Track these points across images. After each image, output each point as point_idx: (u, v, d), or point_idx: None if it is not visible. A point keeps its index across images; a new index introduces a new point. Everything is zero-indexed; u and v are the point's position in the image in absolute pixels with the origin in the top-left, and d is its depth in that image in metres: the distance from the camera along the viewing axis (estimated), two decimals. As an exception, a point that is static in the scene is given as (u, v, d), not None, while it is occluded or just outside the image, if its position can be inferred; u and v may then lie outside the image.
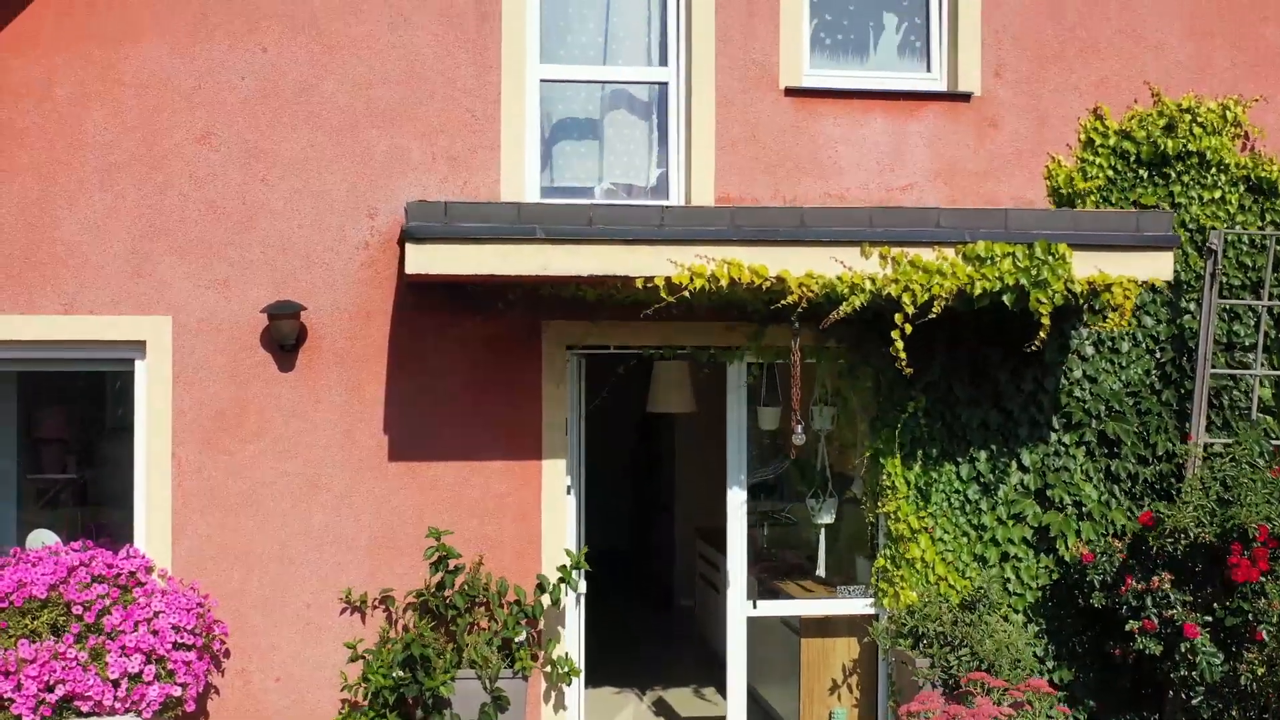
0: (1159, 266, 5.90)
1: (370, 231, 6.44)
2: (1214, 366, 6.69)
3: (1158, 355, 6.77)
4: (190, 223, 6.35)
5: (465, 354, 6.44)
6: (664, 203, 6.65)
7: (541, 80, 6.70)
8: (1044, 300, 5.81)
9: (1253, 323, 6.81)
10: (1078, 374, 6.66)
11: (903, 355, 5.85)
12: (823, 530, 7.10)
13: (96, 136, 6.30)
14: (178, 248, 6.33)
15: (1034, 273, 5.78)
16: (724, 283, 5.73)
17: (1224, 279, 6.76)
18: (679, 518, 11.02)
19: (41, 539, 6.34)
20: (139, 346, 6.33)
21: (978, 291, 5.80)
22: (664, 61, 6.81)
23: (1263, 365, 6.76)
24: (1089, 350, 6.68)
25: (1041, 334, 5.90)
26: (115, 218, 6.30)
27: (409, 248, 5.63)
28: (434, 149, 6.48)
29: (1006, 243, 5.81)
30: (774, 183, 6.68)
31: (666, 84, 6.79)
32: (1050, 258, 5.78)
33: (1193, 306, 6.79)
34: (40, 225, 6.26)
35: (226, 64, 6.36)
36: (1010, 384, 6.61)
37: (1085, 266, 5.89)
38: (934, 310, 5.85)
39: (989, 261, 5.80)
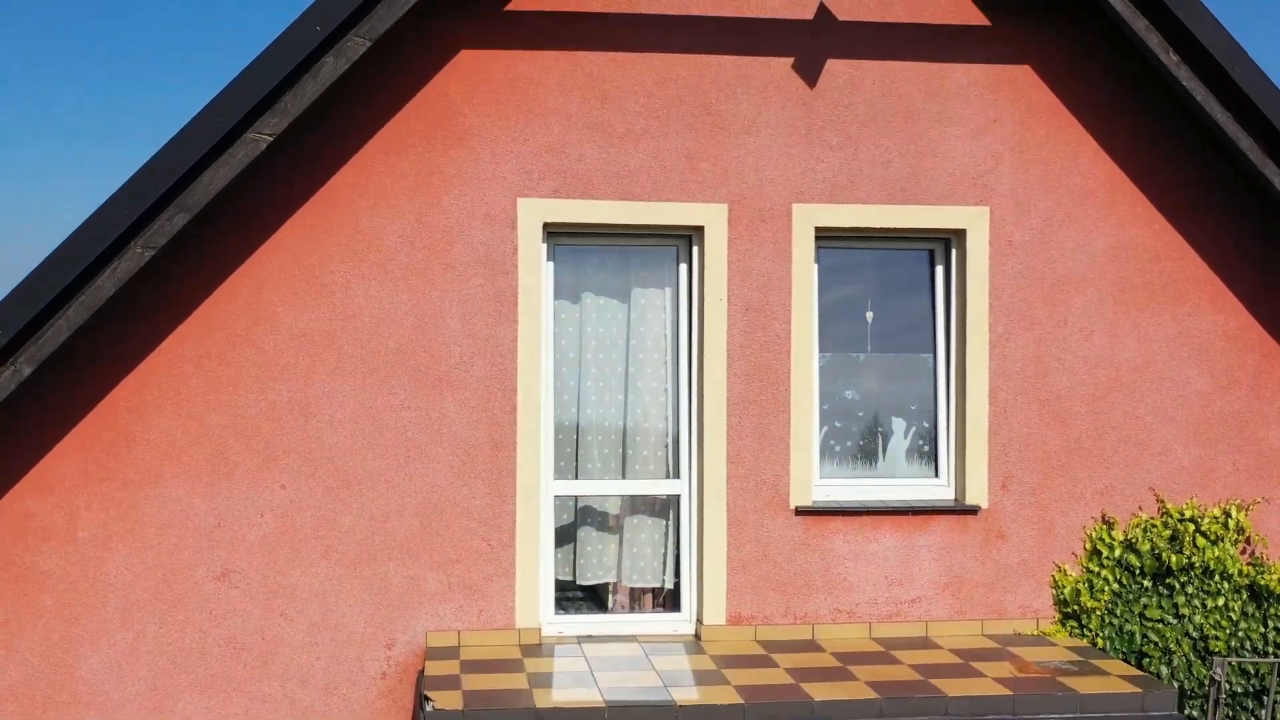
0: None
1: (387, 662, 6.54)
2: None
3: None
4: (211, 659, 6.45)
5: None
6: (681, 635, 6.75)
7: (556, 496, 6.82)
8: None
9: (1256, 727, 6.93)
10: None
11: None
12: None
13: (118, 577, 6.40)
14: (198, 684, 6.43)
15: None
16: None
17: (1228, 685, 6.87)
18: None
19: None
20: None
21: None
22: (676, 474, 6.92)
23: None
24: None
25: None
26: (136, 656, 6.41)
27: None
28: (450, 578, 6.58)
29: None
30: (785, 600, 6.78)
31: (679, 495, 6.90)
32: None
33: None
34: (64, 665, 6.36)
35: (246, 501, 6.47)
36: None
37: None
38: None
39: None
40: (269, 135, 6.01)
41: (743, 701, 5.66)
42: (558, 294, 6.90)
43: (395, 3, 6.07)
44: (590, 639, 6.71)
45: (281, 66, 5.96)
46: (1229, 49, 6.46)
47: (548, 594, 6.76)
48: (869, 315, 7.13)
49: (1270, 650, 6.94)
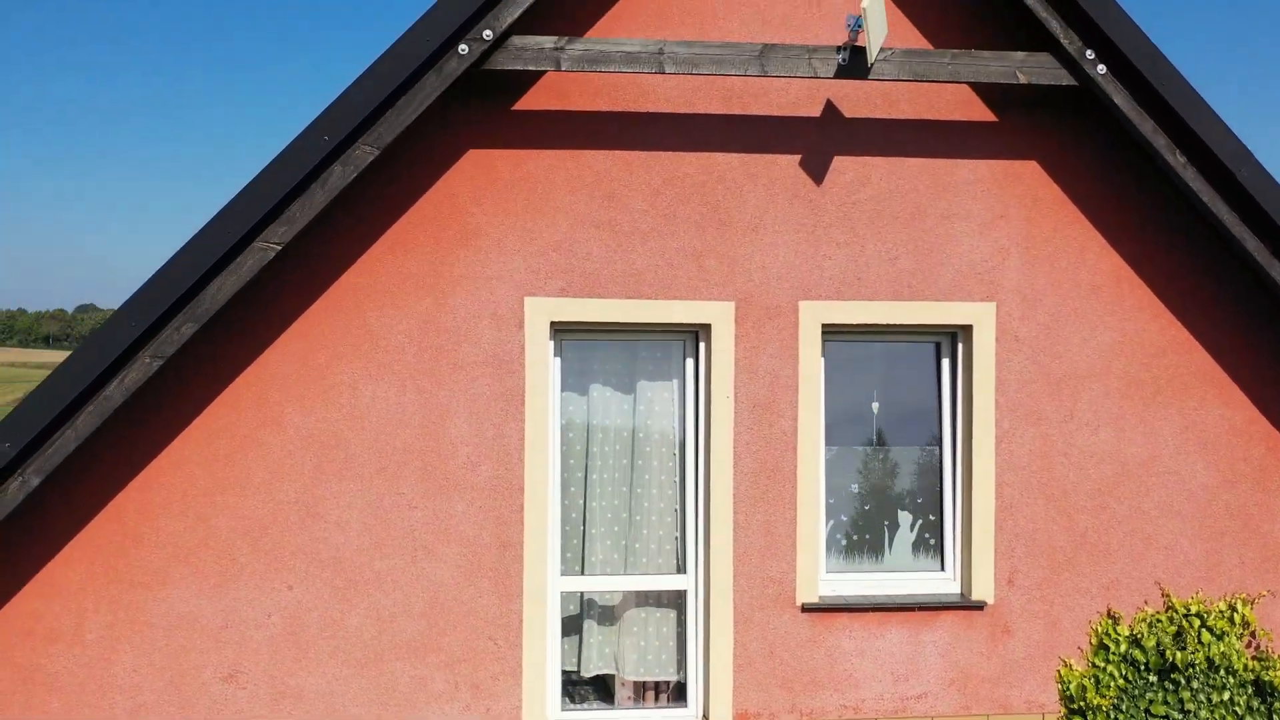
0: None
1: (394, 762, 6.55)
2: None
3: None
4: (217, 760, 6.45)
5: None
6: None
7: (562, 592, 6.83)
8: None
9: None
10: None
11: None
12: None
13: (126, 679, 6.40)
14: (205, 785, 6.44)
15: None
16: None
17: (1233, 779, 6.87)
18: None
19: None
20: None
21: None
22: (682, 568, 6.92)
23: None
24: None
25: None
26: (144, 757, 6.41)
27: None
28: (456, 678, 6.59)
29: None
30: (791, 697, 6.78)
31: (685, 590, 6.91)
32: None
33: (1202, 808, 6.90)
34: (70, 766, 6.37)
35: (253, 602, 6.47)
36: None
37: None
38: None
39: None
40: (277, 244, 6.02)
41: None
42: (564, 385, 6.91)
43: (403, 112, 6.07)
44: (597, 736, 6.73)
45: (290, 176, 5.97)
46: (1236, 152, 6.46)
47: (554, 690, 6.77)
48: (875, 406, 7.13)
49: (1276, 744, 6.95)
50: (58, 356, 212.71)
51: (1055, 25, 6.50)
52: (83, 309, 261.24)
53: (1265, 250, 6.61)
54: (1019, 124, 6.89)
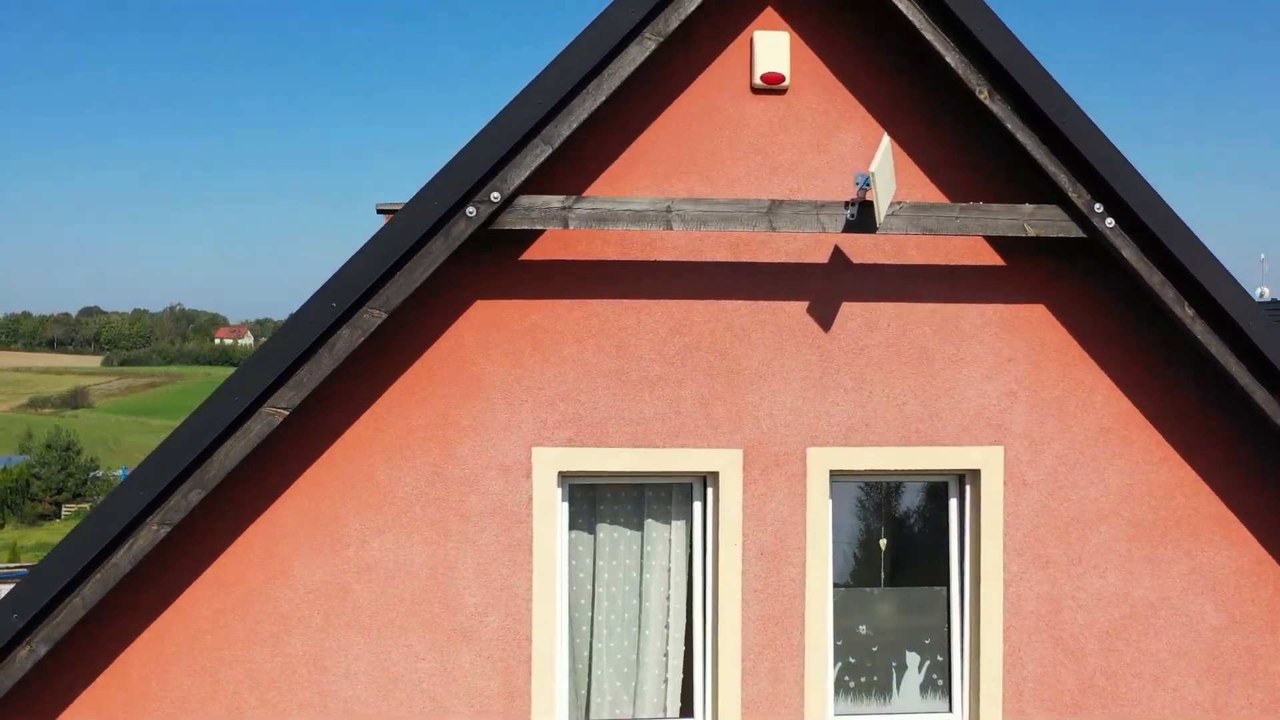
0: None
1: None
2: None
3: None
4: None
5: None
6: None
7: (570, 737, 6.84)
8: None
9: None
10: None
11: None
12: None
13: (134, 832, 6.40)
14: None
15: None
16: None
17: None
18: None
19: None
20: None
21: None
22: (690, 712, 6.92)
23: None
24: None
25: None
26: None
27: None
28: (465, 827, 6.59)
29: None
30: (798, 843, 6.79)
31: (694, 734, 6.92)
32: None
33: None
34: None
35: (261, 754, 6.47)
36: None
37: None
38: None
39: None
40: (285, 409, 6.03)
41: None
42: (572, 525, 6.91)
43: (410, 275, 6.09)
44: None
45: (299, 342, 5.99)
46: (1245, 306, 6.46)
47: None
48: (882, 543, 7.13)
49: None
50: (62, 360, 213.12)
51: (1064, 179, 6.49)
52: (86, 311, 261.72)
53: (1274, 402, 6.60)
54: (1027, 268, 6.89)
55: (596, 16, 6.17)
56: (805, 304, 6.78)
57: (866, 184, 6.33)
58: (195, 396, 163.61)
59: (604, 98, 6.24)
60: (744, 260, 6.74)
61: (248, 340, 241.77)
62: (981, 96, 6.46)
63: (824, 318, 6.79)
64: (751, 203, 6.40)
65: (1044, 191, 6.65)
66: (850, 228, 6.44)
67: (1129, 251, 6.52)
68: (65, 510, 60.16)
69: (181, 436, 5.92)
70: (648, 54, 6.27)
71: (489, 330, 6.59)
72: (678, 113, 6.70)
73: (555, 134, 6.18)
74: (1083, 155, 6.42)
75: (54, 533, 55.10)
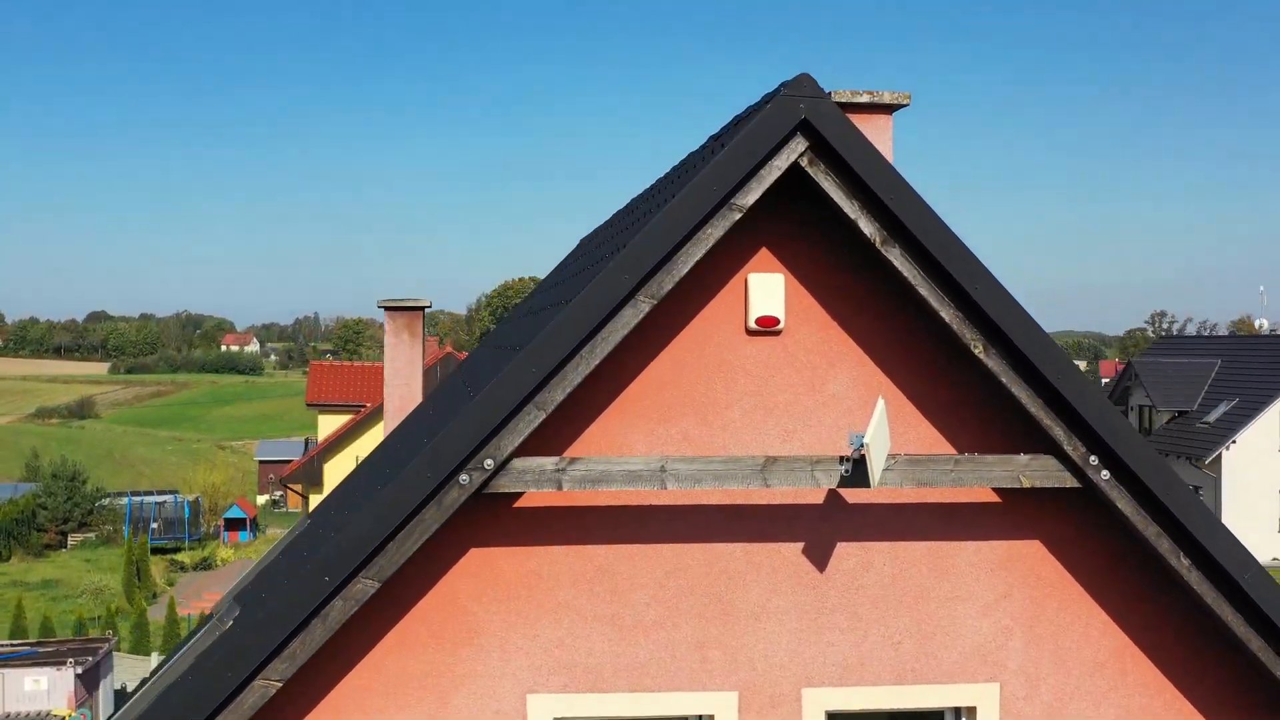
0: None
1: None
2: None
3: None
4: None
5: None
6: None
7: None
8: None
9: None
10: None
11: None
12: None
13: None
14: None
15: None
16: None
17: None
18: None
19: None
20: None
21: None
22: None
23: None
24: None
25: None
26: None
27: None
28: None
29: None
30: None
31: None
32: None
33: None
34: None
35: None
36: None
37: None
38: None
39: None
40: (278, 681, 6.03)
41: None
42: (569, 754, 6.91)
43: (404, 544, 6.09)
44: None
45: (291, 616, 5.98)
46: (1240, 559, 6.45)
47: None
48: (879, 769, 7.12)
49: None
50: (68, 368, 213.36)
51: (1059, 432, 6.49)
52: (94, 316, 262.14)
53: (1269, 651, 6.59)
54: (1022, 506, 6.88)
55: (591, 283, 6.17)
56: (801, 545, 6.78)
57: (861, 443, 6.32)
58: (201, 407, 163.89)
59: (598, 361, 6.23)
60: (739, 504, 6.73)
61: (253, 347, 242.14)
62: (976, 351, 6.45)
63: (819, 558, 6.79)
64: (745, 460, 6.40)
65: (1040, 439, 6.63)
66: (845, 483, 6.43)
67: (1124, 504, 6.51)
68: (71, 540, 60.15)
69: (172, 711, 5.92)
70: (642, 316, 6.27)
71: (483, 578, 6.59)
72: (672, 356, 6.70)
73: (549, 400, 6.18)
74: (1077, 411, 6.41)
75: (61, 566, 55.02)
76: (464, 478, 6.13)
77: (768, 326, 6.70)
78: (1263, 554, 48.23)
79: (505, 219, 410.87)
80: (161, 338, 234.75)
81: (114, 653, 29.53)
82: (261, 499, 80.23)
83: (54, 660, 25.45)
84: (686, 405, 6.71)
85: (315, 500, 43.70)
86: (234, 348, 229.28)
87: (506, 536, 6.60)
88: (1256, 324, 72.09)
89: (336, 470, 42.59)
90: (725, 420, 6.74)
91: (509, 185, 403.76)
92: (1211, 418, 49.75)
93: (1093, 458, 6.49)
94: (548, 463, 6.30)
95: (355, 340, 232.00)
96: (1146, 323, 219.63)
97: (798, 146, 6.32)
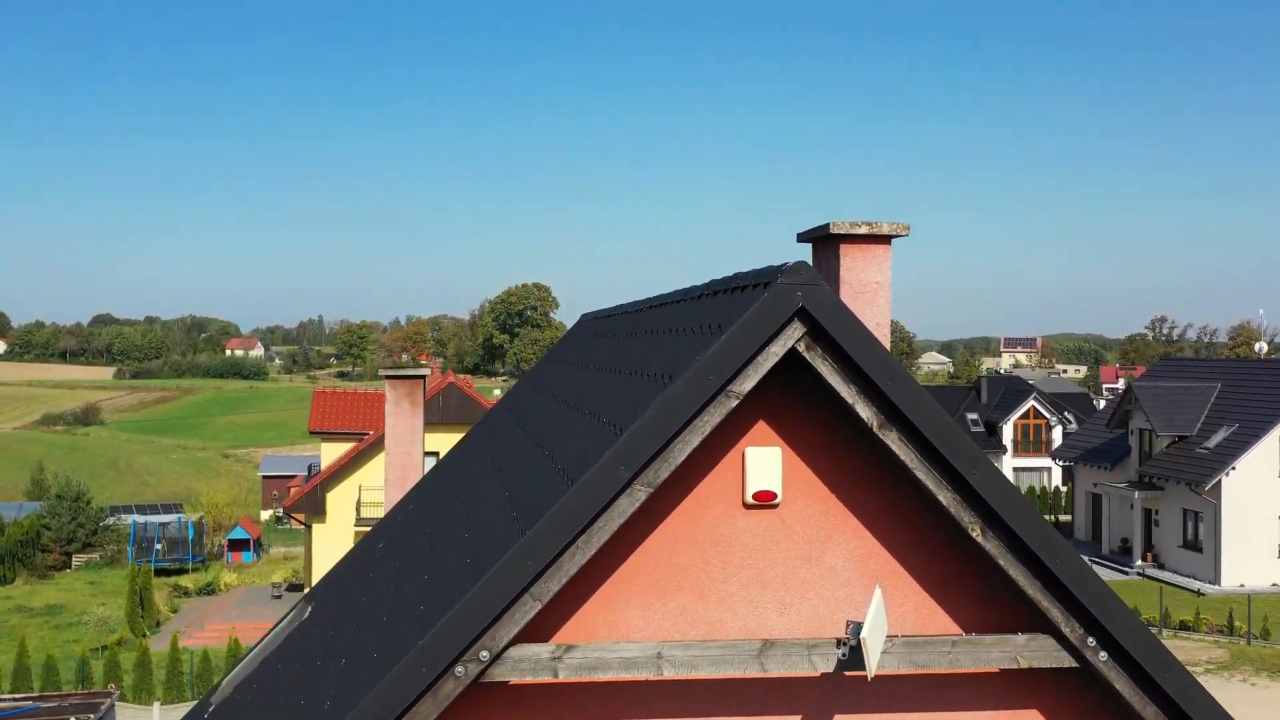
0: None
1: None
2: None
3: None
4: None
5: None
6: None
7: None
8: None
9: None
10: None
11: None
12: None
13: None
14: None
15: None
16: None
17: None
18: None
19: None
20: None
21: None
22: None
23: None
24: None
25: None
26: None
27: None
28: None
29: None
30: None
31: None
32: None
33: None
34: None
35: None
36: None
37: None
38: None
39: None
40: None
41: None
42: None
43: (400, 738, 6.07)
44: None
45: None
46: (1239, 743, 6.42)
47: None
48: None
49: None
50: (74, 373, 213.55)
51: (1057, 614, 6.47)
52: (99, 319, 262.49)
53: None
54: (1020, 677, 6.86)
55: (586, 475, 6.16)
56: (798, 718, 6.76)
57: (859, 632, 6.31)
58: (205, 414, 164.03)
59: (594, 551, 6.22)
60: (735, 678, 6.72)
61: (258, 351, 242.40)
62: (974, 534, 6.44)
63: (817, 732, 6.77)
64: (742, 645, 6.39)
65: (1036, 620, 6.62)
66: (842, 667, 6.42)
67: (1122, 684, 6.50)
68: (75, 561, 60.17)
69: None
70: (638, 504, 6.26)
71: (479, 758, 6.58)
72: (669, 532, 6.69)
73: (545, 590, 6.17)
74: (1074, 594, 6.40)
75: (65, 589, 55.04)
76: (459, 670, 6.12)
77: (765, 501, 6.69)
78: (1263, 580, 48.24)
79: (508, 222, 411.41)
80: (166, 342, 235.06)
81: (115, 705, 29.51)
82: (265, 514, 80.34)
83: (57, 716, 25.44)
84: (684, 580, 6.69)
85: (317, 529, 43.79)
86: (239, 352, 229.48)
87: (502, 717, 6.59)
88: (1255, 348, 72.07)
89: (339, 500, 42.69)
90: (722, 594, 6.72)
91: (513, 188, 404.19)
92: (1212, 443, 49.68)
93: (1090, 639, 6.48)
94: (543, 651, 6.29)
95: (359, 345, 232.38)
96: (1147, 327, 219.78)
97: (795, 332, 6.31)
